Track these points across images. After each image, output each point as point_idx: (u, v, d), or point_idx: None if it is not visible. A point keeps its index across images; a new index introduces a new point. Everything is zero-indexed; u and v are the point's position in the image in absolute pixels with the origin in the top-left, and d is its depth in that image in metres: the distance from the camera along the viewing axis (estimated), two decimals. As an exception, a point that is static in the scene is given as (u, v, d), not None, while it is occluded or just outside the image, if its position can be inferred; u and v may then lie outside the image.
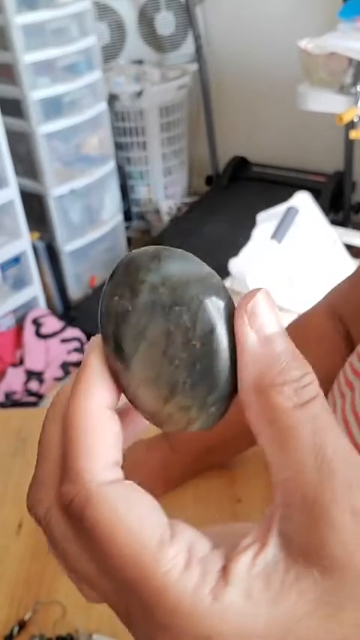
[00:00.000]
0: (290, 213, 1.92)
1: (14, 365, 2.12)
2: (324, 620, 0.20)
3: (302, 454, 0.21)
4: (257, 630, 0.20)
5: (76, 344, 2.18)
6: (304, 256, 1.91)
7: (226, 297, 0.23)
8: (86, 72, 2.33)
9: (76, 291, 2.53)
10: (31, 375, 2.08)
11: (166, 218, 2.96)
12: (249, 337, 0.22)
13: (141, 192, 3.00)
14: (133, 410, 0.25)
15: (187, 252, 0.24)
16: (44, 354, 2.14)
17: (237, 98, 2.97)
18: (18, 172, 2.10)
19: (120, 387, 0.24)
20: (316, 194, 2.43)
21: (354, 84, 1.98)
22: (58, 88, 2.24)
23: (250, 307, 0.22)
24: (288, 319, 1.80)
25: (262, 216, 1.98)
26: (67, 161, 2.39)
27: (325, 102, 2.05)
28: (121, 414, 0.25)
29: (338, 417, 0.56)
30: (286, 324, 1.89)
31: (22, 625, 0.63)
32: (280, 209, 1.95)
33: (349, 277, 0.72)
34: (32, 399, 1.99)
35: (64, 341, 2.18)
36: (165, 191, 3.03)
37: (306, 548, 0.20)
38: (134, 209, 3.02)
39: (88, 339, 2.33)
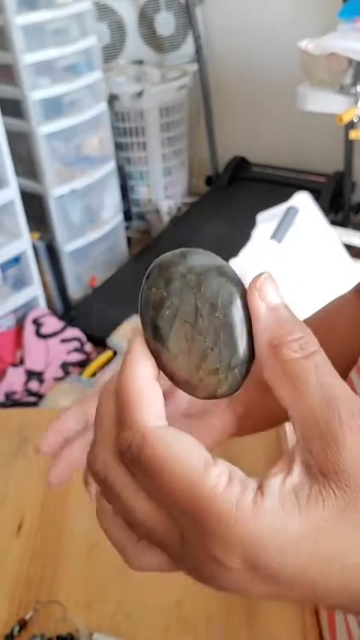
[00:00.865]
0: (290, 213, 1.92)
1: (14, 365, 2.13)
2: (349, 527, 0.24)
3: (312, 394, 0.26)
4: (293, 530, 0.24)
5: (75, 344, 2.18)
6: (303, 256, 1.91)
7: (238, 280, 0.29)
8: (86, 72, 2.34)
9: (76, 291, 2.53)
10: (31, 374, 2.08)
11: (166, 218, 2.96)
12: (261, 307, 0.28)
13: (141, 192, 3.00)
14: (169, 392, 0.29)
15: (206, 250, 0.30)
16: (44, 354, 2.14)
17: (237, 98, 2.97)
18: (18, 172, 2.10)
19: (159, 367, 0.29)
20: (316, 194, 2.44)
21: (354, 84, 1.99)
22: (59, 88, 2.24)
23: (259, 284, 0.28)
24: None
25: (261, 217, 1.98)
26: (67, 161, 2.39)
27: (325, 102, 2.06)
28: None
29: None
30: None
31: (22, 624, 0.63)
32: (279, 209, 1.95)
33: None
34: (32, 398, 2.00)
35: (64, 341, 2.19)
36: (165, 191, 3.04)
37: (325, 468, 0.25)
38: (134, 209, 3.02)
39: (88, 339, 2.33)
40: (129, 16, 2.84)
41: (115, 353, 2.12)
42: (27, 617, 0.64)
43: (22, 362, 2.13)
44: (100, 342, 2.19)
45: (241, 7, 2.76)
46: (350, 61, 1.95)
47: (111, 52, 2.86)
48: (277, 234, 1.88)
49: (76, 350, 2.16)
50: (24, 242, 2.18)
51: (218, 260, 0.30)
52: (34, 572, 0.69)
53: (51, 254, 2.39)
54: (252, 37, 2.78)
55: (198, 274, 0.28)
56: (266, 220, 1.95)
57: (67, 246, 2.45)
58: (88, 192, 2.46)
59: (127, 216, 2.89)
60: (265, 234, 1.91)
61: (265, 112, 2.91)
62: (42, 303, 2.32)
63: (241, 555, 0.24)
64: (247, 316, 0.28)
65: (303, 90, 2.08)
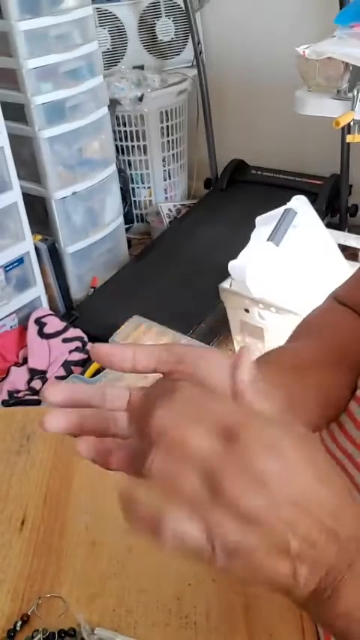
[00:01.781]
0: (288, 215, 1.95)
1: (18, 364, 2.16)
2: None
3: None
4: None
5: (77, 343, 2.21)
6: (301, 258, 1.94)
7: None
8: (88, 77, 2.37)
9: (78, 291, 2.56)
10: (34, 373, 2.11)
11: (166, 220, 3.00)
12: None
13: (142, 194, 3.04)
14: None
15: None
16: (47, 353, 2.17)
17: (236, 103, 3.01)
18: (21, 176, 2.13)
19: None
20: (313, 197, 2.47)
21: (350, 89, 2.02)
22: (61, 93, 2.27)
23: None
24: (286, 320, 1.83)
25: (260, 219, 2.00)
26: (69, 165, 2.42)
27: (322, 106, 2.08)
28: None
29: None
30: (284, 325, 1.91)
31: (25, 619, 0.64)
32: (277, 212, 1.97)
33: (354, 274, 0.69)
34: (35, 397, 2.02)
35: (66, 340, 2.21)
36: (165, 194, 3.08)
37: None
38: (135, 211, 3.05)
39: (90, 338, 2.35)
40: (130, 22, 2.88)
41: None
42: (29, 612, 0.64)
43: (25, 361, 2.16)
44: (101, 342, 2.22)
45: (240, 13, 2.79)
46: (347, 65, 1.98)
47: (112, 58, 2.90)
48: (275, 236, 1.90)
49: (77, 349, 2.19)
50: (27, 244, 2.21)
51: None
52: (37, 568, 0.69)
53: (53, 255, 2.41)
54: (250, 42, 2.81)
55: None
56: (264, 223, 1.97)
57: (69, 248, 2.48)
58: (89, 195, 2.50)
59: (128, 218, 2.92)
60: (263, 237, 1.93)
61: (263, 116, 2.94)
62: (44, 303, 2.35)
63: None
64: None
65: (301, 94, 2.11)
